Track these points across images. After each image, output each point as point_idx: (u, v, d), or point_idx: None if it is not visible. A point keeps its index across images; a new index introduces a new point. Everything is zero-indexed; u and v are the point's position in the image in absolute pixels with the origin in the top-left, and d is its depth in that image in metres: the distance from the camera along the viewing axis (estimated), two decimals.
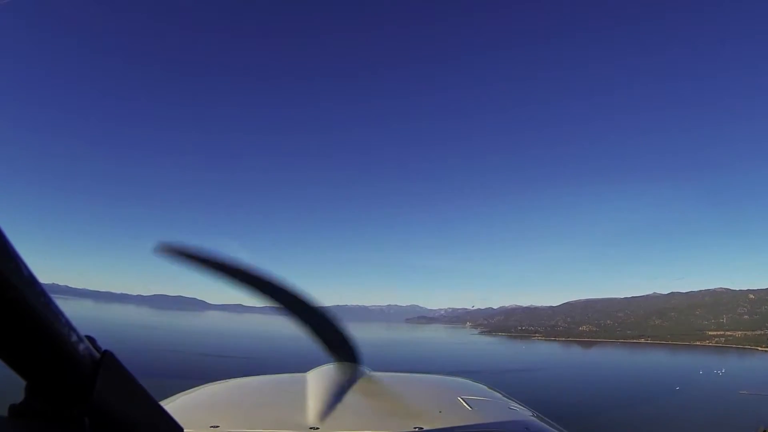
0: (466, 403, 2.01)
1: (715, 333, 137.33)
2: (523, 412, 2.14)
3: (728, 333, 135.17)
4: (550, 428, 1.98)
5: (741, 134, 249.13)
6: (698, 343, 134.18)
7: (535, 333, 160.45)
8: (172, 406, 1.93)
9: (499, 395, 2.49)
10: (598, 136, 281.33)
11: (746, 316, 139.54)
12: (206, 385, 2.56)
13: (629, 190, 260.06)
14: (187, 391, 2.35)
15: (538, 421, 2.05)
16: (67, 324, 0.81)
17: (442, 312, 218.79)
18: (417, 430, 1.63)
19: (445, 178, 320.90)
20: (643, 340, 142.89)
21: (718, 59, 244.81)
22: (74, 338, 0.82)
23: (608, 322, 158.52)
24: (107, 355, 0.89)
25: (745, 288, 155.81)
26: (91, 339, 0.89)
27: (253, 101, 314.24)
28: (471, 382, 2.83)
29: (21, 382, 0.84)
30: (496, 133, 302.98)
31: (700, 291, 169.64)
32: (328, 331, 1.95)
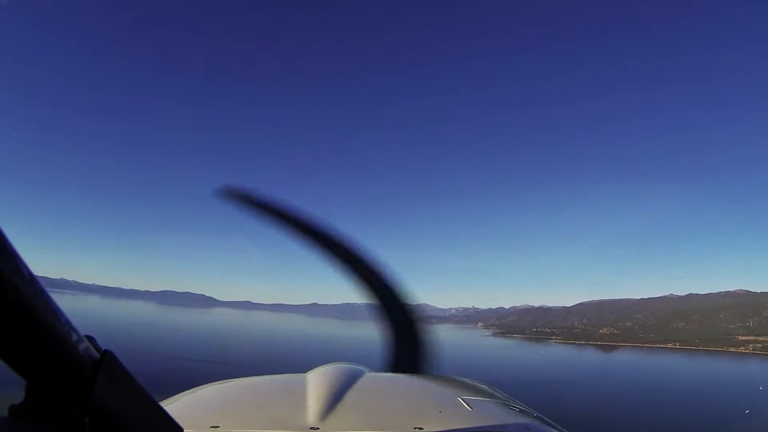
0: (466, 403, 1.97)
1: (746, 338, 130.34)
2: (523, 412, 2.09)
3: (761, 338, 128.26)
4: (551, 428, 1.94)
5: (757, 133, 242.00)
6: (732, 349, 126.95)
7: (552, 335, 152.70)
8: (172, 406, 1.90)
9: (500, 395, 2.43)
10: (612, 135, 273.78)
11: None
12: (206, 385, 2.47)
13: (640, 189, 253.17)
14: (187, 391, 2.31)
15: (539, 421, 2.00)
16: (67, 323, 0.80)
17: (452, 311, 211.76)
18: (417, 430, 1.60)
19: (453, 177, 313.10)
20: (671, 345, 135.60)
21: (733, 58, 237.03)
22: (74, 338, 0.81)
23: (628, 324, 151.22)
24: (107, 355, 0.88)
25: (766, 290, 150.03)
26: (91, 338, 0.89)
27: (258, 102, 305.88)
28: (471, 381, 2.68)
29: (21, 382, 0.84)
30: (508, 133, 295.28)
31: (719, 293, 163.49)
32: (403, 333, 1.78)
